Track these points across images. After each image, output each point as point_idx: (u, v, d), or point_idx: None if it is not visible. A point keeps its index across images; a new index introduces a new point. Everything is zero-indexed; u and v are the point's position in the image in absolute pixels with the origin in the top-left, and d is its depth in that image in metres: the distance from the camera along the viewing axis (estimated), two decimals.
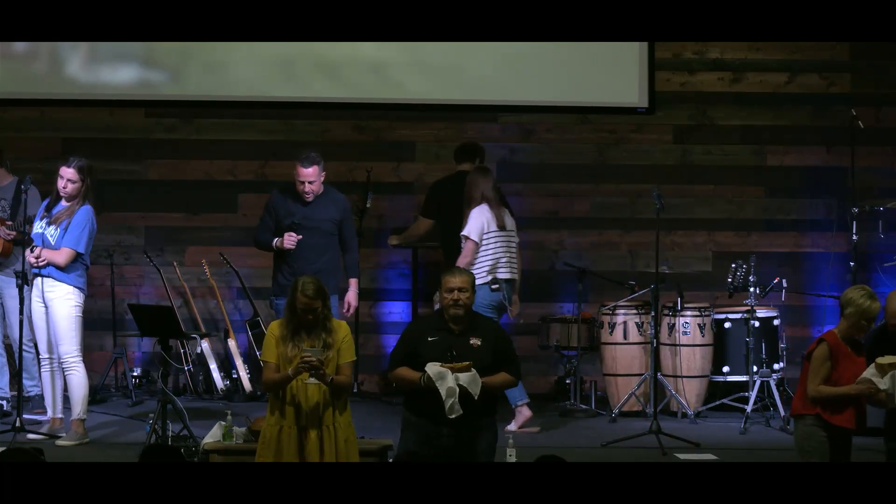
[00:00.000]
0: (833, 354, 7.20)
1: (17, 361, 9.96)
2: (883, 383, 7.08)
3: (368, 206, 11.10)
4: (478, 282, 10.06)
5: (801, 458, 7.28)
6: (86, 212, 9.25)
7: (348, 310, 9.81)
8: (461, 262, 9.73)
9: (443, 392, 7.21)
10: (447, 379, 7.24)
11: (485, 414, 7.39)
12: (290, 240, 9.65)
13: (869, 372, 7.13)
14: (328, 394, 7.31)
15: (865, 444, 7.96)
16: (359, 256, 10.08)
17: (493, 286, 9.83)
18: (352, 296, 9.85)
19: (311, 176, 9.67)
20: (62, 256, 9.17)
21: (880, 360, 7.11)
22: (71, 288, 9.19)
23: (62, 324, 9.18)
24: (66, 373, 9.25)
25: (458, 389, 7.22)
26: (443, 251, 10.49)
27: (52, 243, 9.21)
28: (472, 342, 7.36)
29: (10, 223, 9.90)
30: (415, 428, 7.42)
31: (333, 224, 9.77)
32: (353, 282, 9.91)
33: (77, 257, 9.20)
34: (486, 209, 9.92)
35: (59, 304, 9.18)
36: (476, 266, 9.75)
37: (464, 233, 9.89)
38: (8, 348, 10.24)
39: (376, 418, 9.91)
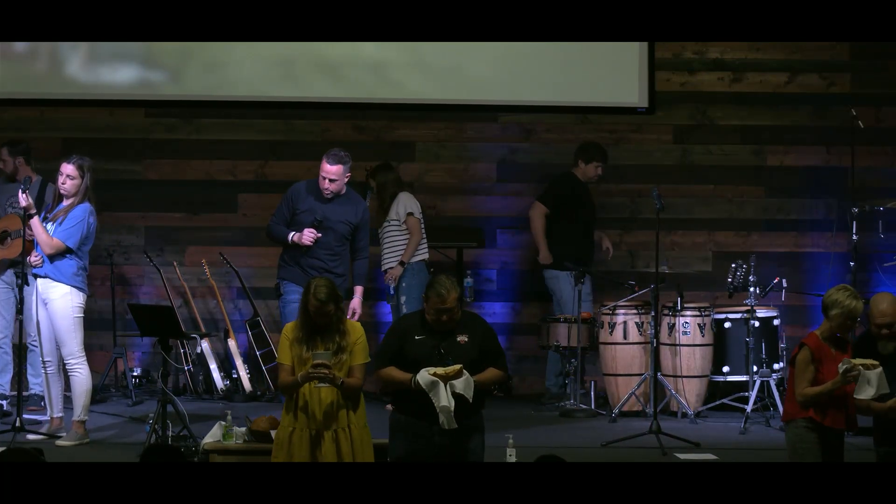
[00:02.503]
0: (816, 356, 7.21)
1: (19, 360, 9.94)
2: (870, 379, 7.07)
3: (367, 205, 11.09)
4: (417, 258, 10.48)
5: (794, 460, 7.28)
6: (83, 209, 9.19)
7: (353, 316, 9.78)
8: (414, 240, 10.55)
9: (437, 407, 7.13)
10: (441, 395, 7.09)
11: (475, 413, 7.36)
12: (309, 236, 9.63)
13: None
14: (341, 395, 7.32)
15: (862, 444, 7.96)
16: (368, 266, 10.11)
17: (431, 269, 10.56)
18: (356, 303, 9.86)
19: (333, 174, 9.67)
20: (48, 244, 9.08)
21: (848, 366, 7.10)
22: (68, 288, 9.14)
23: (62, 325, 9.14)
24: (69, 374, 9.23)
25: (452, 405, 7.13)
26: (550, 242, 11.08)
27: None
28: (459, 339, 7.28)
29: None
30: (404, 429, 7.36)
31: (348, 228, 9.78)
32: (359, 289, 9.94)
33: (65, 252, 9.12)
34: (410, 194, 10.78)
35: (58, 305, 9.14)
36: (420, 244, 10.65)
37: (410, 210, 10.61)
38: (15, 347, 10.21)
39: (377, 418, 9.89)
